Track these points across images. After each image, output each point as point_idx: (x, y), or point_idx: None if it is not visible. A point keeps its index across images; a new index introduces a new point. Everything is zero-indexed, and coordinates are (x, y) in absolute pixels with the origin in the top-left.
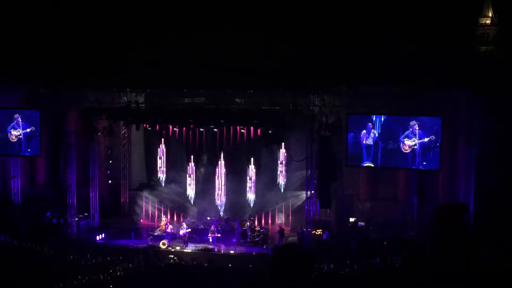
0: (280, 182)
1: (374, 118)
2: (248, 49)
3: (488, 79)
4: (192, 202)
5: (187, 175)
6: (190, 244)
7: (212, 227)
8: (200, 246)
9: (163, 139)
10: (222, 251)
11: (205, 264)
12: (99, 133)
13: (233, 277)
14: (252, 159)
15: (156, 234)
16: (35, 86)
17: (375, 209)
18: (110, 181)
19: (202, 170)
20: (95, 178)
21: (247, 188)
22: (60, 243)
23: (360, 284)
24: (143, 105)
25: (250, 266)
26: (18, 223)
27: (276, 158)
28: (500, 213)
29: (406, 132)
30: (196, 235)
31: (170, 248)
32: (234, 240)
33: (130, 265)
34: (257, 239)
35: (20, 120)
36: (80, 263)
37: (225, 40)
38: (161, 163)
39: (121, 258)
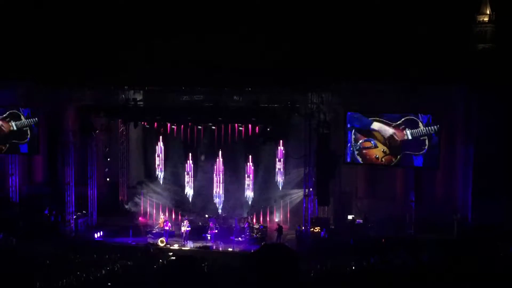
0: (278, 180)
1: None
2: (246, 47)
3: (485, 77)
4: (190, 199)
5: (185, 173)
6: (188, 241)
7: (211, 225)
8: (199, 243)
9: (161, 137)
10: (221, 249)
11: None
12: (97, 131)
13: (232, 275)
14: (250, 156)
15: (154, 231)
16: (33, 84)
17: (373, 207)
18: (108, 179)
19: (200, 167)
20: (93, 176)
21: (245, 186)
22: (58, 241)
23: (359, 282)
24: (141, 102)
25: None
26: (16, 221)
27: (274, 155)
28: (497, 210)
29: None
30: (195, 232)
31: (169, 245)
32: (233, 237)
33: (129, 262)
34: (256, 236)
35: None
36: (78, 260)
37: (223, 38)
38: (159, 160)
39: (119, 255)
